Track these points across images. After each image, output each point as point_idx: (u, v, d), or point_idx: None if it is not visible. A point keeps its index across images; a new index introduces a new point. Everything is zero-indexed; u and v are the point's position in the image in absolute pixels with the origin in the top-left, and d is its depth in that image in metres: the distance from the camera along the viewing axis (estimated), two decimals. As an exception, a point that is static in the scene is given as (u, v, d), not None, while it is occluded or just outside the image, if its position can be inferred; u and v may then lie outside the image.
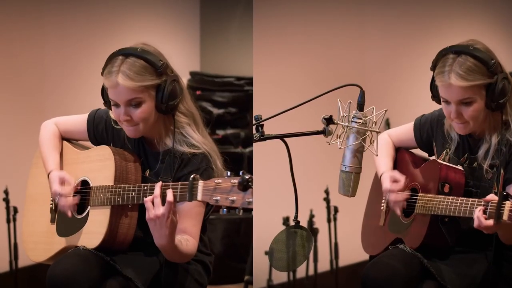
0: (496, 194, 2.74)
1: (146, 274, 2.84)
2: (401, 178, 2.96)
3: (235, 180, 2.48)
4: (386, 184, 2.98)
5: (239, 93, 5.54)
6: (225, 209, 2.51)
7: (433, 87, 2.89)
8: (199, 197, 2.58)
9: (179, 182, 2.67)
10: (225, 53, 5.99)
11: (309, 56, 5.23)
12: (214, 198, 2.53)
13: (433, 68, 2.87)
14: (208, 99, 5.51)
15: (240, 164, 5.40)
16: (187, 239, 2.79)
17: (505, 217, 2.62)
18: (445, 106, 2.85)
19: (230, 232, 5.13)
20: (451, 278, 2.83)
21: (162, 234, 2.66)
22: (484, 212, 2.66)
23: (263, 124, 2.63)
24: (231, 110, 5.52)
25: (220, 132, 5.41)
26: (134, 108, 2.82)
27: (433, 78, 2.88)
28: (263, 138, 2.63)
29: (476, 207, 2.69)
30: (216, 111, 5.47)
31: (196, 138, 2.89)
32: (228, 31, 6.00)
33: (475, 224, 2.68)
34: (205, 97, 5.49)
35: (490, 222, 2.65)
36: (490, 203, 2.66)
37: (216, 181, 2.54)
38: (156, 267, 2.87)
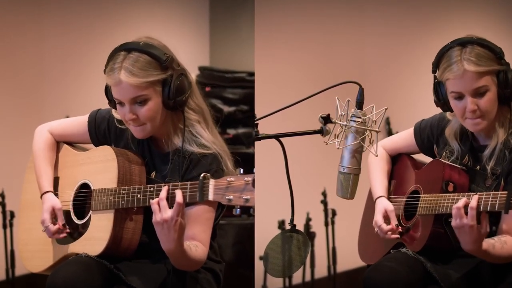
0: None
1: (151, 283, 2.84)
2: (394, 218, 3.03)
3: (249, 178, 2.49)
4: (378, 218, 3.05)
5: (252, 90, 5.52)
6: (238, 209, 2.52)
7: (438, 89, 2.92)
8: (211, 196, 2.58)
9: (188, 182, 2.67)
10: (236, 47, 5.99)
11: (308, 54, 5.30)
12: (227, 197, 2.53)
13: (436, 68, 2.91)
14: (218, 96, 5.49)
15: (252, 165, 5.38)
16: (196, 245, 2.79)
17: None
18: (457, 103, 2.89)
19: (241, 238, 5.10)
20: (454, 283, 2.87)
21: (170, 238, 2.66)
22: (492, 206, 2.70)
23: (257, 123, 2.64)
24: (243, 108, 5.50)
25: (231, 131, 5.40)
26: (139, 106, 2.82)
27: (435, 81, 2.93)
28: (258, 138, 2.63)
29: (483, 202, 2.72)
30: (226, 108, 5.45)
31: (206, 137, 2.90)
32: (240, 24, 6.00)
33: (458, 204, 2.72)
34: (215, 94, 5.47)
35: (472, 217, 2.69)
36: (499, 194, 2.70)
37: (228, 179, 2.54)
38: (163, 275, 2.86)
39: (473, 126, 2.91)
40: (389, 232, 3.02)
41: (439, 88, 2.92)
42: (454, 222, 2.74)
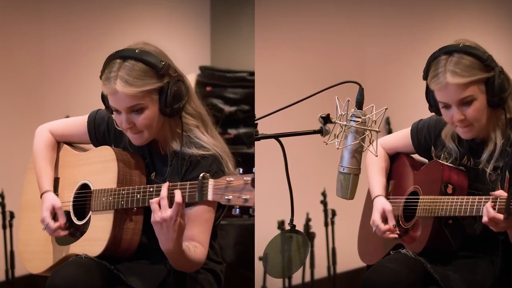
0: None
1: (152, 284, 2.84)
2: (392, 219, 3.03)
3: (248, 178, 2.49)
4: (376, 217, 3.06)
5: (253, 90, 5.52)
6: (237, 209, 2.51)
7: (430, 96, 2.93)
8: (210, 196, 2.57)
9: (188, 182, 2.67)
10: (237, 46, 5.98)
11: (308, 54, 5.31)
12: (226, 197, 2.53)
13: (426, 75, 2.91)
14: (219, 96, 5.48)
15: (253, 165, 5.37)
16: (195, 246, 2.79)
17: None
18: (445, 112, 2.90)
19: (242, 239, 5.10)
20: (455, 284, 2.87)
21: (168, 238, 2.66)
22: (493, 208, 2.71)
23: (257, 123, 2.64)
24: (244, 108, 5.49)
25: (232, 131, 5.39)
26: (136, 115, 2.82)
27: (427, 87, 2.93)
28: (257, 138, 2.63)
29: (483, 205, 2.74)
30: (227, 108, 5.44)
31: (206, 141, 2.89)
32: (241, 23, 5.99)
33: (484, 219, 2.72)
34: (216, 94, 5.46)
35: (500, 215, 2.69)
36: (499, 199, 2.70)
37: (227, 179, 2.54)
38: (163, 276, 2.86)
39: (463, 134, 2.92)
40: (387, 232, 3.02)
41: (430, 95, 2.93)
42: (486, 220, 2.74)
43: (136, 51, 2.81)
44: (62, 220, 2.96)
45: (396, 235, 3.02)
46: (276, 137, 2.63)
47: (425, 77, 2.92)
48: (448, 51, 2.85)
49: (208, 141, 2.89)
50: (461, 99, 2.84)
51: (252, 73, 5.48)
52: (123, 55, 2.81)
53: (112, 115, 2.97)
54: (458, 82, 2.81)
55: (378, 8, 5.55)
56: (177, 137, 2.89)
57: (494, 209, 2.71)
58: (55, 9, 5.29)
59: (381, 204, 3.09)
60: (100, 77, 2.85)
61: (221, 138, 2.98)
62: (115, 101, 2.82)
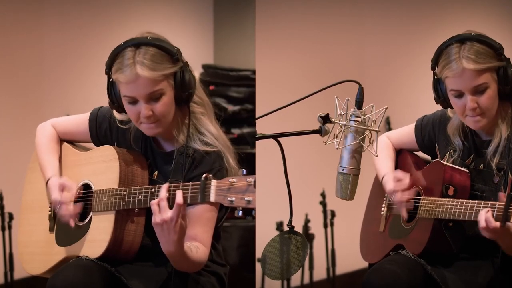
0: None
1: (153, 286, 2.84)
2: (405, 177, 3.03)
3: (251, 179, 2.48)
4: (389, 185, 3.05)
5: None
6: (240, 211, 2.51)
7: (438, 86, 2.93)
8: (212, 198, 2.57)
9: (190, 183, 2.66)
10: (240, 45, 5.99)
11: (308, 53, 5.34)
12: (229, 198, 2.52)
13: (435, 64, 2.92)
14: (223, 95, 5.48)
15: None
16: (197, 246, 2.78)
17: None
18: (457, 101, 2.90)
19: (246, 241, 5.10)
20: (456, 286, 2.88)
21: (169, 239, 2.65)
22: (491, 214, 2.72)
23: (255, 123, 2.63)
24: (248, 107, 5.48)
25: (236, 131, 5.38)
26: (154, 103, 2.81)
27: (434, 77, 2.94)
28: (256, 138, 2.64)
29: (482, 210, 2.75)
30: (231, 107, 5.44)
31: (212, 130, 2.89)
32: (244, 22, 5.99)
33: (481, 225, 2.73)
34: (219, 93, 5.46)
35: (498, 223, 2.71)
36: (497, 205, 2.72)
37: (230, 180, 2.53)
38: (165, 278, 2.86)
39: (473, 123, 2.92)
40: (403, 194, 2.99)
41: (438, 85, 2.93)
42: (483, 227, 2.75)
43: (148, 38, 2.81)
44: (73, 189, 2.92)
45: (413, 194, 3.01)
46: (275, 137, 2.63)
47: (434, 67, 2.93)
48: (460, 39, 2.88)
49: (214, 131, 2.89)
50: (475, 86, 2.85)
51: (255, 72, 5.48)
52: (135, 43, 2.81)
53: (114, 114, 2.96)
54: (474, 67, 2.83)
55: (378, 7, 5.58)
56: (185, 128, 2.88)
57: (493, 215, 2.72)
58: (55, 8, 5.30)
59: (391, 174, 3.07)
60: (109, 71, 2.83)
61: (222, 132, 2.97)
62: (135, 89, 2.79)
